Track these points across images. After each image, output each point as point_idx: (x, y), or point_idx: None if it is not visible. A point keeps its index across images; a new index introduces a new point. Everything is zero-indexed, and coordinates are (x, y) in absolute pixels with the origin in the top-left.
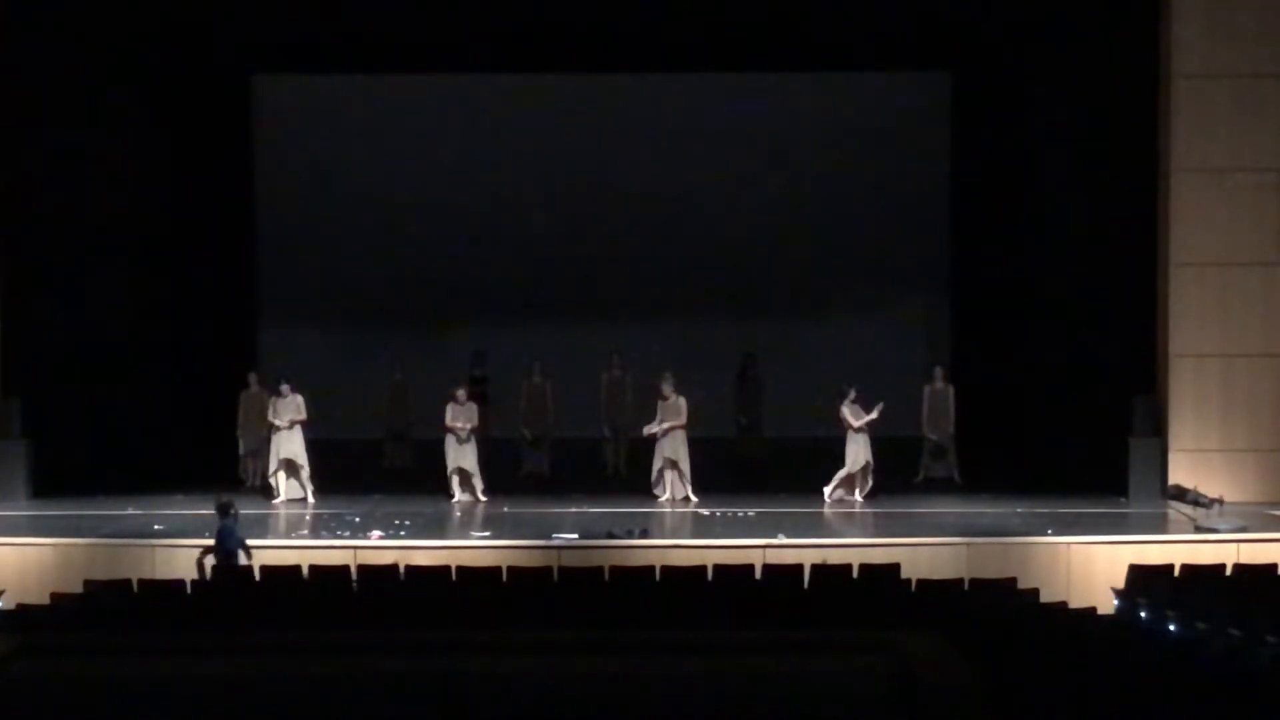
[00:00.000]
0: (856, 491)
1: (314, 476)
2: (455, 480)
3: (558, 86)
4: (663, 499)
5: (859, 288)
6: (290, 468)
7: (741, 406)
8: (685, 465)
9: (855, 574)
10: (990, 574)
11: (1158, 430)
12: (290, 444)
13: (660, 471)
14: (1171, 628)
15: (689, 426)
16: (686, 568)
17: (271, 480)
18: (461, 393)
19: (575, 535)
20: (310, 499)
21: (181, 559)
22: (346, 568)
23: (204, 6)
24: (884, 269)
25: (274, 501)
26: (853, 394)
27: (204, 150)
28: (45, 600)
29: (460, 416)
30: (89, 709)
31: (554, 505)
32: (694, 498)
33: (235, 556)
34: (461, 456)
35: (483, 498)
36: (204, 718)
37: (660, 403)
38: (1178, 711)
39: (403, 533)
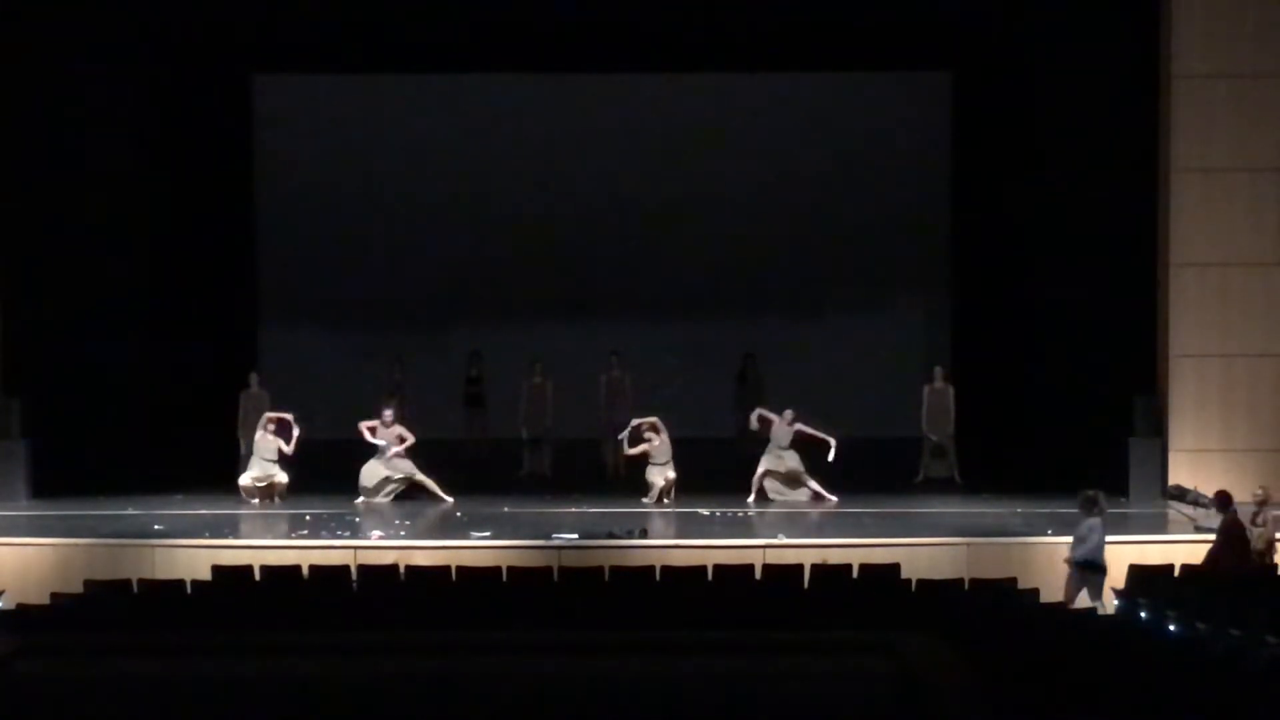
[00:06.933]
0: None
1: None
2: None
3: (558, 87)
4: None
5: (859, 288)
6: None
7: (741, 406)
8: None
9: (855, 574)
10: (990, 574)
11: (1158, 430)
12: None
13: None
14: (1171, 628)
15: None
16: (686, 568)
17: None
18: (388, 414)
19: (575, 535)
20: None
21: (181, 559)
22: (346, 568)
23: (204, 6)
24: (884, 269)
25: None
26: (790, 415)
27: (204, 150)
28: (45, 600)
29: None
30: (89, 709)
31: (554, 505)
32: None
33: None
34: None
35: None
36: (204, 718)
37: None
38: (1178, 711)
39: (403, 533)
